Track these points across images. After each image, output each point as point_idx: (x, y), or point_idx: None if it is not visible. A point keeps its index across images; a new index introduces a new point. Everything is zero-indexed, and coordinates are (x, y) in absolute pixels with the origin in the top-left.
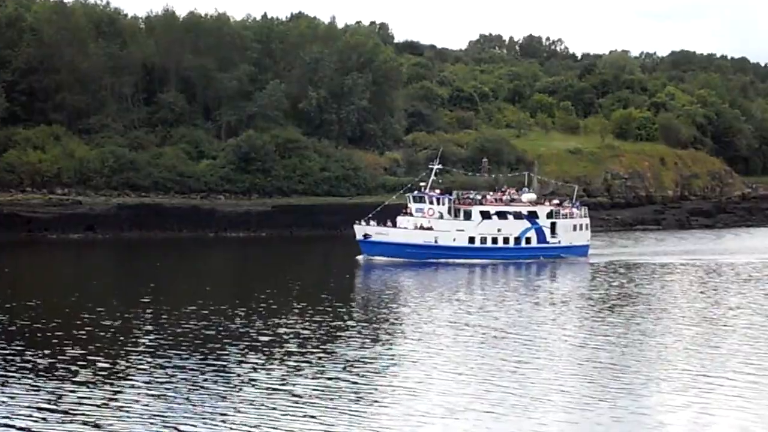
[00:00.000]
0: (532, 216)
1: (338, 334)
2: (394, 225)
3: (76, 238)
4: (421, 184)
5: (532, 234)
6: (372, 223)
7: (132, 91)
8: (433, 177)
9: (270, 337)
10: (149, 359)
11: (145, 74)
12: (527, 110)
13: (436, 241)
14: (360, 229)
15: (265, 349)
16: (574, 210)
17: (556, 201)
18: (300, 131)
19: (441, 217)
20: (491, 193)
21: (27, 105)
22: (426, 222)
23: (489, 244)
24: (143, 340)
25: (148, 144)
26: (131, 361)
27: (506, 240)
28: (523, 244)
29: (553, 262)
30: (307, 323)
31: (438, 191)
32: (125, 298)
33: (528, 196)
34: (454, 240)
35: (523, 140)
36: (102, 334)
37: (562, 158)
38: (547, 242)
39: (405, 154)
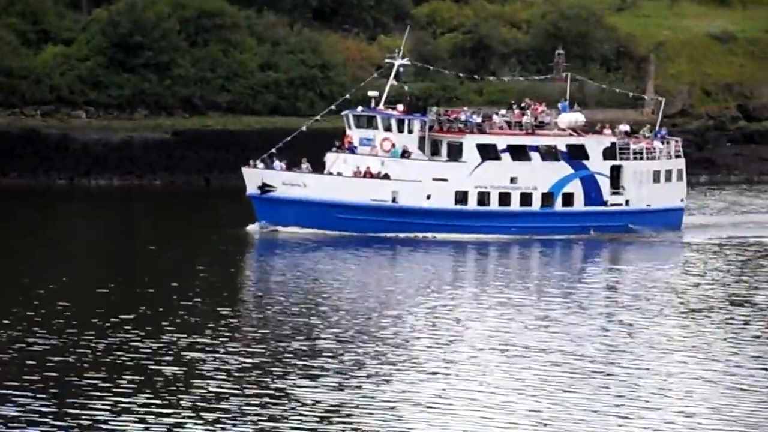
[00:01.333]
0: (575, 154)
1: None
2: (320, 169)
3: None
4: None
5: (575, 187)
6: (277, 163)
7: None
8: (392, 80)
9: None
10: None
11: None
12: None
13: (394, 200)
14: (253, 176)
15: None
16: (657, 144)
17: (623, 127)
18: None
19: (405, 154)
20: (501, 111)
21: None
22: (377, 164)
23: (494, 206)
24: None
25: None
26: None
27: (526, 198)
28: (559, 206)
29: (612, 242)
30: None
31: (401, 107)
32: None
33: (568, 117)
34: (429, 198)
35: (630, 17)
36: None
37: (699, 50)
38: (604, 202)
39: (414, 41)
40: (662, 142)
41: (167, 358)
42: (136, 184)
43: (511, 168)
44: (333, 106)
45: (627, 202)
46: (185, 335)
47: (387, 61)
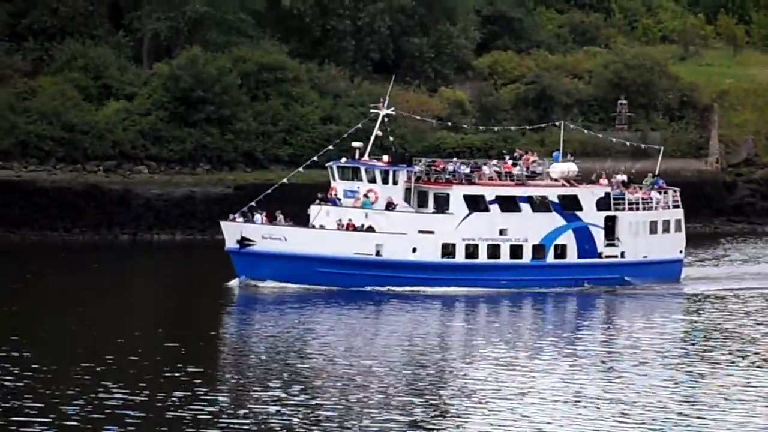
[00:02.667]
0: (568, 205)
1: None
2: (303, 222)
3: None
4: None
5: (567, 239)
6: (258, 216)
7: None
8: (377, 130)
9: None
10: None
11: None
12: (701, 11)
13: (378, 253)
14: (232, 229)
15: None
16: (654, 194)
17: (620, 176)
18: (286, 51)
19: (390, 206)
20: (492, 162)
21: None
22: (361, 216)
23: (483, 258)
24: None
25: (9, 73)
26: None
27: (516, 250)
28: (551, 258)
29: (608, 294)
30: None
31: (386, 158)
32: None
33: (560, 167)
34: (416, 251)
35: (693, 66)
36: None
37: (764, 98)
38: (599, 254)
39: (476, 92)
40: (660, 193)
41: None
42: (199, 238)
43: (500, 219)
44: (315, 158)
45: (622, 254)
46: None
47: (372, 111)
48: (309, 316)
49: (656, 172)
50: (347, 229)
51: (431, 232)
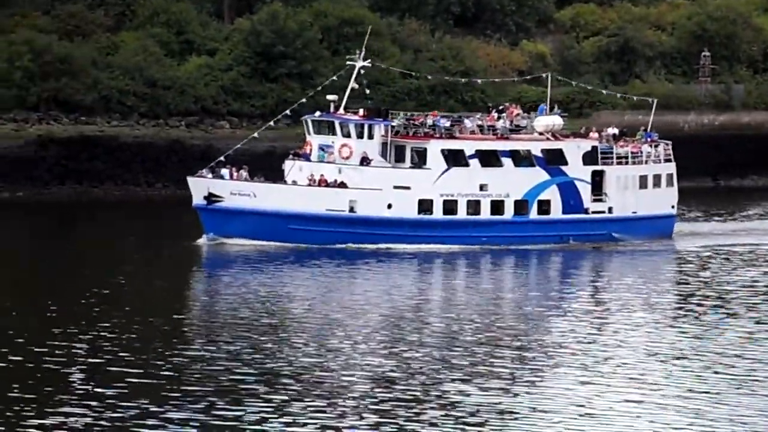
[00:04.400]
0: (552, 159)
1: None
2: (277, 178)
3: None
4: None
5: (551, 194)
6: (225, 171)
7: None
8: (353, 82)
9: None
10: None
11: None
12: None
13: (352, 210)
14: (200, 185)
15: None
16: (644, 148)
17: (611, 129)
18: (366, 5)
19: (365, 161)
20: (473, 115)
21: None
22: (334, 171)
23: (462, 214)
24: None
25: (91, 28)
26: None
27: (498, 206)
28: (534, 214)
29: (595, 251)
30: None
31: (362, 112)
32: None
33: (545, 120)
34: (391, 207)
35: None
36: None
37: None
38: (585, 210)
39: (558, 45)
40: (651, 145)
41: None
42: None
43: (480, 174)
44: (287, 112)
45: (610, 210)
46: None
47: (348, 63)
48: (279, 275)
49: (649, 126)
50: (319, 185)
51: (407, 188)
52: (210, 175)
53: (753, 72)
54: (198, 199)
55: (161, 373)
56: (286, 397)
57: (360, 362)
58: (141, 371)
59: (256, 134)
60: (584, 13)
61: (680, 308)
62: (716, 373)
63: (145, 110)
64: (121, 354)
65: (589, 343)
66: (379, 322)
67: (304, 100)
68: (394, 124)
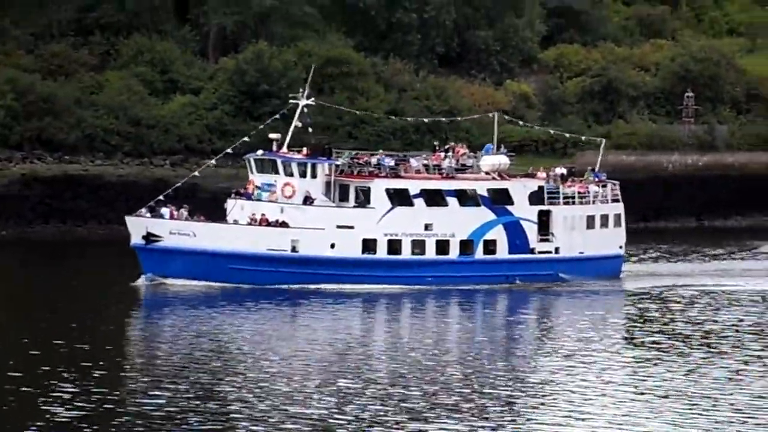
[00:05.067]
0: (498, 199)
1: None
2: (218, 216)
3: None
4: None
5: (497, 234)
6: (165, 210)
7: None
8: (297, 121)
9: None
10: None
11: None
12: None
13: (294, 249)
14: (137, 224)
15: None
16: (592, 188)
17: (559, 169)
18: (351, 44)
19: (308, 200)
20: (419, 155)
21: None
22: (276, 211)
23: (406, 254)
24: None
25: (75, 67)
26: None
27: (443, 246)
28: (480, 254)
29: (543, 292)
30: None
31: (305, 150)
32: None
33: (491, 160)
34: (334, 247)
35: (761, 58)
36: None
37: None
38: (531, 250)
39: (542, 85)
40: (599, 185)
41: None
42: None
43: (425, 214)
44: (229, 150)
45: (557, 250)
46: None
47: (291, 101)
48: (219, 316)
49: (597, 166)
50: (261, 224)
51: (351, 227)
52: (149, 215)
53: (736, 113)
54: (136, 239)
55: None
56: None
57: (300, 405)
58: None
59: (197, 172)
60: (568, 53)
61: (621, 349)
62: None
63: (129, 149)
64: (55, 393)
65: (537, 383)
66: (321, 363)
67: (246, 138)
68: (338, 162)
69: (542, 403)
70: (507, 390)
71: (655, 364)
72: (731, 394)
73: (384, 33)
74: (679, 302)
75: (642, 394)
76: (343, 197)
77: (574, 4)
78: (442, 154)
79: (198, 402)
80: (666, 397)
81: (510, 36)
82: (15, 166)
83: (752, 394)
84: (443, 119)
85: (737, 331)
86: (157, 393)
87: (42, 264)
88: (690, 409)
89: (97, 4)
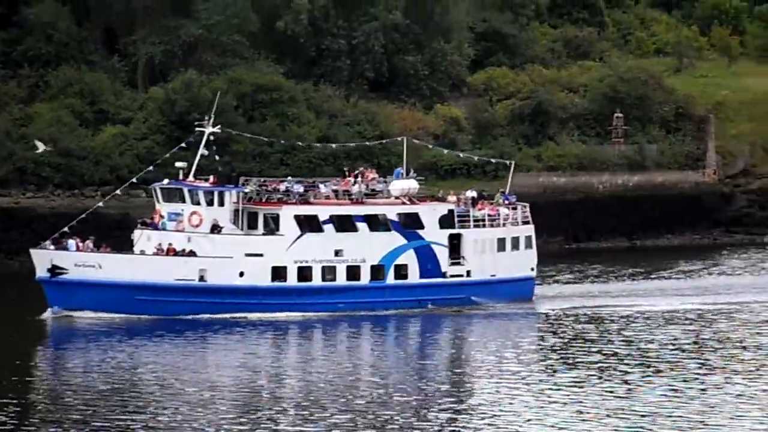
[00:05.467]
0: (408, 223)
1: None
2: (125, 247)
3: None
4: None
5: (408, 258)
6: (71, 242)
7: None
8: (203, 149)
9: None
10: None
11: None
12: (694, 23)
13: (202, 278)
14: (42, 257)
15: None
16: (502, 210)
17: (470, 192)
18: (281, 71)
19: (215, 229)
20: (329, 180)
21: None
22: (183, 240)
23: (317, 281)
24: None
25: (5, 99)
26: None
27: (353, 272)
28: (391, 279)
29: (454, 316)
30: None
31: (212, 178)
32: None
33: (401, 184)
34: (243, 275)
35: (688, 78)
36: None
37: (760, 109)
38: (443, 274)
39: (472, 108)
40: (509, 207)
41: None
42: None
43: (334, 240)
44: (134, 179)
45: (468, 273)
46: None
47: (197, 129)
48: (126, 349)
49: (507, 188)
50: (168, 254)
51: (260, 255)
52: (53, 247)
53: (665, 132)
54: (41, 272)
55: None
56: None
57: None
58: None
59: (101, 203)
60: (497, 76)
61: (533, 371)
62: None
63: (60, 181)
64: None
65: (471, 406)
66: (231, 394)
67: (150, 167)
68: (246, 190)
69: (479, 427)
70: (439, 413)
71: (576, 384)
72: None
73: (313, 59)
74: (590, 322)
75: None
76: (252, 225)
77: (501, 27)
78: (351, 180)
79: None
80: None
81: (439, 60)
82: None
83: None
84: (371, 143)
85: (641, 350)
86: (65, 427)
87: None
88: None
89: (25, 35)
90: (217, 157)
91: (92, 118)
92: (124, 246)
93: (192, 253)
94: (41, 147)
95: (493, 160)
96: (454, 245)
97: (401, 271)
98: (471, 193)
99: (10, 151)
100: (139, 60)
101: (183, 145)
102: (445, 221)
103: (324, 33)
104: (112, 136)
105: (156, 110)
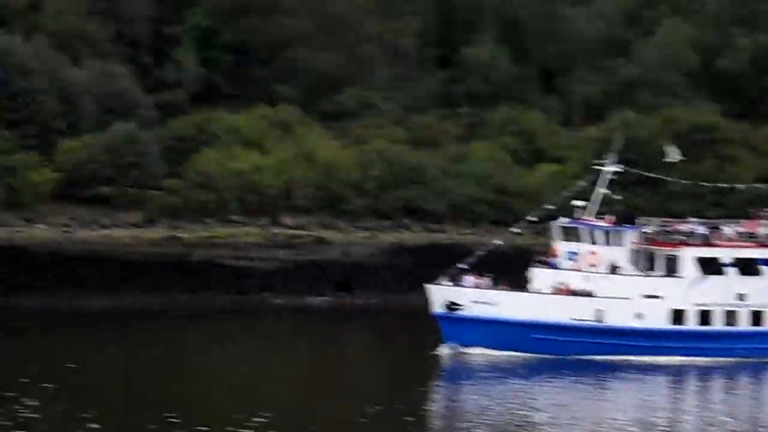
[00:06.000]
0: None
1: None
2: (520, 284)
3: (320, 304)
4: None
5: None
6: (468, 279)
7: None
8: (601, 187)
9: None
10: None
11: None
12: None
13: (600, 319)
14: (439, 293)
15: None
16: None
17: None
18: (717, 109)
19: (613, 269)
20: (731, 223)
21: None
22: (581, 280)
23: (718, 325)
24: None
25: (443, 137)
26: None
27: (757, 317)
28: None
29: None
30: None
31: (607, 218)
32: None
33: None
34: (640, 317)
35: None
36: None
37: None
38: None
39: None
40: None
41: None
42: None
43: (737, 283)
44: (531, 217)
45: None
46: None
47: (597, 167)
48: (520, 386)
49: None
50: (565, 293)
51: (659, 297)
52: (450, 283)
53: None
54: (437, 307)
55: None
56: None
57: None
58: None
59: (500, 241)
60: None
61: None
62: None
63: (493, 218)
64: None
65: None
66: None
67: (547, 205)
68: (645, 230)
69: None
70: None
71: None
72: None
73: (754, 99)
74: None
75: None
76: (650, 266)
77: None
78: (746, 222)
79: None
80: None
81: None
82: (384, 235)
83: None
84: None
85: None
86: None
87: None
88: None
89: (463, 76)
90: (617, 197)
91: (527, 156)
92: (520, 283)
93: (589, 293)
94: (674, 155)
95: None
96: None
97: None
98: None
99: (446, 188)
100: (575, 99)
101: (582, 183)
102: None
103: (765, 72)
104: (547, 174)
105: (591, 149)
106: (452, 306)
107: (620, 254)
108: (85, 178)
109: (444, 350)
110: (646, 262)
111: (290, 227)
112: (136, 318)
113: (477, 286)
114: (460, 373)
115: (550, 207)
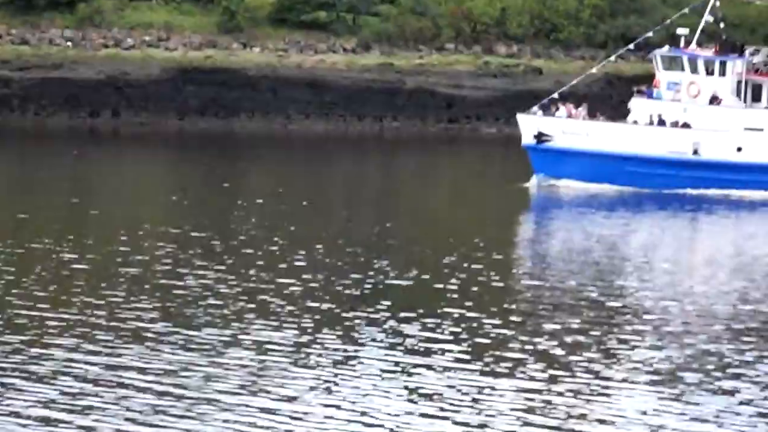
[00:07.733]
0: None
1: None
2: (618, 116)
3: None
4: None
5: None
6: (562, 109)
7: None
8: (708, 15)
9: None
10: None
11: None
12: None
13: (696, 152)
14: (529, 123)
15: None
16: None
17: None
18: None
19: (714, 101)
20: None
21: None
22: (678, 111)
23: None
24: None
25: None
26: None
27: None
28: None
29: None
30: None
31: (712, 47)
32: None
33: None
34: (740, 150)
35: None
36: None
37: None
38: None
39: None
40: None
41: None
42: None
43: None
44: (631, 46)
45: None
46: None
47: None
48: (609, 221)
49: None
50: (660, 124)
51: (761, 130)
52: (541, 113)
53: None
54: (527, 138)
55: None
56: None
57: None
58: None
59: (594, 69)
60: None
61: None
62: None
63: None
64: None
65: None
66: (718, 278)
67: (650, 33)
68: (753, 60)
69: None
70: None
71: None
72: None
73: None
74: None
75: None
76: (756, 98)
77: None
78: None
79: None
80: None
81: None
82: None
83: None
84: None
85: None
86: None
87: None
88: None
89: None
90: (722, 25)
91: None
92: (621, 114)
93: (686, 125)
94: None
95: None
96: None
97: None
98: None
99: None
100: None
101: (685, 11)
102: None
103: None
104: None
105: None
106: (542, 137)
107: (723, 85)
108: (301, 3)
109: (533, 182)
110: (752, 94)
111: (503, 56)
112: (349, 143)
113: (569, 116)
114: (549, 205)
115: (647, 35)
